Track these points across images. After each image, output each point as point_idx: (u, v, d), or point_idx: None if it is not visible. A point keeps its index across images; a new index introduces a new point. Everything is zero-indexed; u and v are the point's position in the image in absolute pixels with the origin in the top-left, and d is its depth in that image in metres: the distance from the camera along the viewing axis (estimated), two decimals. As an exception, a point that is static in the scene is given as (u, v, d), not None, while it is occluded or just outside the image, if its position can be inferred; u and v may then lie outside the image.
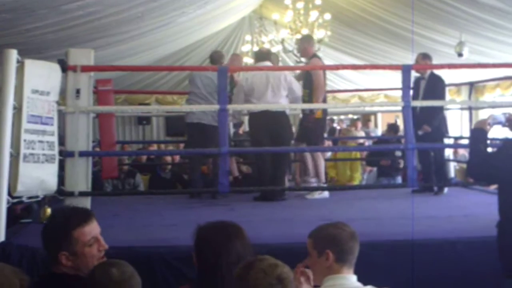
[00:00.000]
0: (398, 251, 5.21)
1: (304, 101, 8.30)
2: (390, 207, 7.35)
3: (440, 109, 8.79)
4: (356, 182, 10.92)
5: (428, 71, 8.76)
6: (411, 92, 7.84)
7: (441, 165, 8.92)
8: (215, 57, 9.10)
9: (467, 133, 10.68)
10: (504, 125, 4.75)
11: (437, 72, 8.89)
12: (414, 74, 8.25)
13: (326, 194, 8.37)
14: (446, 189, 8.65)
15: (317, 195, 8.25)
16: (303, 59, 9.77)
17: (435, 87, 8.67)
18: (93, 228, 3.34)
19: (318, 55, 9.03)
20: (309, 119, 8.24)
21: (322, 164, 8.56)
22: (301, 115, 8.76)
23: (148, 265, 5.04)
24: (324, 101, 8.58)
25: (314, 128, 8.29)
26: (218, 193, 7.68)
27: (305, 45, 8.75)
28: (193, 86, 8.76)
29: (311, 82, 8.25)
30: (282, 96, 8.12)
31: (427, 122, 8.19)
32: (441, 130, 8.83)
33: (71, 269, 3.25)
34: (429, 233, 5.69)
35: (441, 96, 8.79)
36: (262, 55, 8.76)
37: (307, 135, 8.33)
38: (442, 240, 5.48)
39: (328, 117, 19.01)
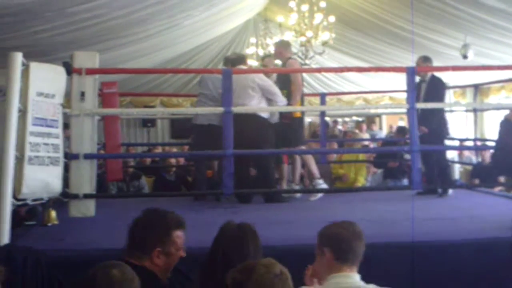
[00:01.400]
0: (399, 253, 5.19)
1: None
2: (394, 209, 7.34)
3: (440, 111, 8.77)
4: (359, 185, 10.89)
5: (429, 74, 8.77)
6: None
7: (444, 167, 8.91)
8: (230, 61, 9.07)
9: (472, 135, 10.69)
10: None
11: (438, 74, 8.89)
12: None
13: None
14: (450, 191, 8.63)
15: (318, 195, 8.34)
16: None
17: (436, 89, 8.69)
18: (184, 235, 3.65)
19: (294, 56, 9.26)
20: (287, 116, 8.33)
21: (312, 162, 8.64)
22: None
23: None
24: (302, 101, 8.64)
25: (293, 127, 8.41)
26: (222, 195, 7.67)
27: (281, 49, 8.85)
28: (204, 88, 8.76)
29: (289, 82, 8.37)
30: (250, 98, 8.11)
31: (425, 124, 8.17)
32: (441, 131, 8.81)
33: (156, 266, 3.50)
34: (433, 235, 5.68)
35: (442, 98, 8.79)
36: (234, 60, 8.78)
37: (287, 134, 8.40)
38: (446, 242, 5.47)
39: (332, 119, 19.22)
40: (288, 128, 8.38)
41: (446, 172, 9.02)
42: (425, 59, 8.87)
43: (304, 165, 8.97)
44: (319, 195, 8.36)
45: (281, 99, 8.21)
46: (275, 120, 8.47)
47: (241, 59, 8.87)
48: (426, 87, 8.68)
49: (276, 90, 8.24)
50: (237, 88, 7.83)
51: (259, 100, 8.15)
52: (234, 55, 9.54)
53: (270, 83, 8.29)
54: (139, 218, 3.62)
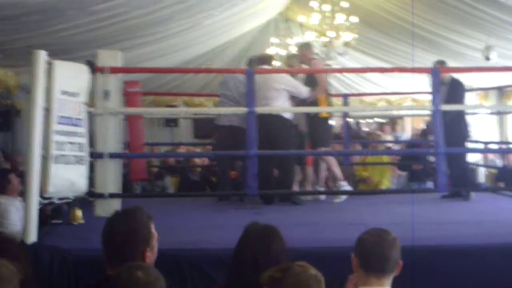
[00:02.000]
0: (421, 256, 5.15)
1: (309, 103, 8.36)
2: (418, 212, 7.29)
3: (460, 113, 8.73)
4: (384, 188, 10.85)
5: (449, 76, 8.72)
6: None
7: (463, 169, 8.83)
8: (253, 61, 9.05)
9: (496, 138, 10.62)
10: None
11: (459, 76, 8.83)
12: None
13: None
14: (473, 194, 8.57)
15: (342, 197, 8.31)
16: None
17: (456, 92, 8.67)
18: None
19: (316, 57, 9.23)
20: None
21: (335, 163, 8.60)
22: None
23: (177, 268, 5.05)
24: (329, 102, 8.65)
25: (318, 128, 8.41)
26: (246, 196, 7.66)
27: (304, 51, 8.82)
28: (225, 89, 8.77)
29: (315, 83, 8.36)
30: (274, 99, 8.08)
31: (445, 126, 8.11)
32: (462, 134, 8.77)
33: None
34: (457, 239, 5.65)
35: (462, 101, 8.80)
36: (259, 60, 8.80)
37: (312, 135, 8.44)
38: (471, 246, 5.42)
39: (355, 121, 19.16)
40: (313, 129, 8.35)
41: (466, 174, 8.95)
42: (442, 63, 8.84)
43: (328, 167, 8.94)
44: (343, 197, 8.33)
45: (304, 90, 8.25)
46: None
47: (266, 59, 8.87)
48: (446, 90, 8.64)
49: (302, 88, 8.25)
50: (261, 89, 7.83)
51: (283, 101, 8.12)
52: (258, 55, 9.53)
53: (293, 82, 8.28)
54: (116, 225, 3.50)
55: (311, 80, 8.45)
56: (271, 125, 7.81)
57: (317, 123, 8.39)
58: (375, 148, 11.63)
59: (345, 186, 8.51)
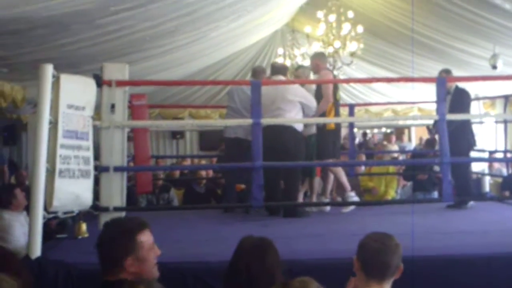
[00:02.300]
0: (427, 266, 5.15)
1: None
2: (424, 222, 7.28)
3: (465, 122, 8.71)
4: (390, 198, 10.82)
5: (453, 85, 8.72)
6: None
7: (466, 179, 8.80)
8: (256, 71, 9.06)
9: (502, 147, 10.58)
10: None
11: (465, 85, 8.82)
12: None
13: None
14: (471, 203, 8.57)
15: (350, 208, 8.29)
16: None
17: (461, 101, 8.66)
18: (150, 234, 3.48)
19: (329, 68, 9.09)
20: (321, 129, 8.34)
21: (343, 175, 8.56)
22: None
23: (181, 280, 5.05)
24: (337, 113, 8.52)
25: (325, 139, 8.32)
26: (252, 208, 7.65)
27: (317, 61, 8.68)
28: (231, 101, 8.77)
29: (321, 94, 8.30)
30: (287, 110, 8.03)
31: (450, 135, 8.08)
32: (467, 143, 8.75)
33: (133, 275, 3.31)
34: (463, 248, 5.64)
35: (467, 110, 8.77)
36: (276, 68, 8.70)
37: (319, 147, 8.37)
38: (477, 256, 5.41)
39: (361, 131, 19.14)
40: (320, 141, 8.35)
41: (469, 184, 8.91)
42: (447, 72, 8.83)
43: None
44: (352, 207, 8.31)
45: (315, 105, 8.19)
46: (313, 130, 8.51)
47: (281, 69, 8.75)
48: (451, 99, 8.63)
49: (314, 104, 8.19)
50: (276, 100, 7.87)
51: (295, 113, 8.09)
52: (257, 67, 9.50)
53: (307, 95, 8.25)
54: (102, 233, 3.55)
55: (320, 92, 8.39)
56: (282, 136, 7.82)
57: (325, 135, 8.33)
58: (381, 159, 11.59)
59: (353, 197, 8.49)
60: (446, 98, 8.39)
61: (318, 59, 8.76)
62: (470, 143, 8.84)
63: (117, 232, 3.43)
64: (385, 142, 15.31)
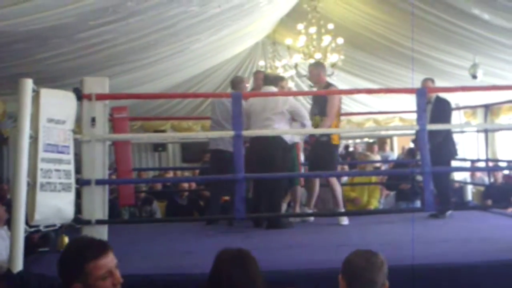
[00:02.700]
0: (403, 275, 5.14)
1: (316, 127, 8.20)
2: (405, 232, 7.29)
3: (446, 132, 8.75)
4: (372, 208, 10.84)
5: (434, 95, 8.77)
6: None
7: (445, 188, 8.84)
8: (234, 82, 9.05)
9: (483, 156, 10.65)
10: None
11: (446, 95, 8.87)
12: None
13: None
14: (449, 212, 8.60)
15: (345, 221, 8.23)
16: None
17: (442, 110, 8.71)
18: (108, 262, 3.28)
19: (333, 83, 8.81)
20: (311, 141, 8.34)
21: (339, 191, 8.45)
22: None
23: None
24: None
25: (330, 154, 8.25)
26: (235, 219, 7.63)
27: (319, 71, 8.51)
28: (213, 113, 8.82)
29: (325, 109, 8.15)
30: (275, 121, 7.98)
31: (432, 145, 8.09)
32: (448, 152, 8.78)
33: None
34: (445, 257, 5.65)
35: (448, 119, 8.83)
36: (268, 80, 8.59)
37: (317, 161, 8.27)
38: (459, 264, 5.43)
39: (343, 142, 19.15)
40: (325, 154, 8.21)
41: (447, 193, 8.94)
42: (431, 81, 8.88)
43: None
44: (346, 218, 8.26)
45: (307, 122, 8.11)
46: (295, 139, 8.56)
47: (271, 81, 8.57)
48: (432, 108, 8.67)
49: (305, 113, 8.16)
50: (264, 110, 7.87)
51: (284, 123, 8.05)
52: (235, 78, 9.48)
53: (299, 106, 8.23)
54: (61, 253, 3.47)
55: (322, 105, 8.23)
56: (270, 147, 7.82)
57: (330, 147, 8.23)
58: (363, 169, 11.60)
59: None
60: (426, 108, 8.44)
61: (321, 70, 8.60)
62: (451, 152, 8.89)
63: (68, 257, 3.32)
64: (368, 152, 15.35)
